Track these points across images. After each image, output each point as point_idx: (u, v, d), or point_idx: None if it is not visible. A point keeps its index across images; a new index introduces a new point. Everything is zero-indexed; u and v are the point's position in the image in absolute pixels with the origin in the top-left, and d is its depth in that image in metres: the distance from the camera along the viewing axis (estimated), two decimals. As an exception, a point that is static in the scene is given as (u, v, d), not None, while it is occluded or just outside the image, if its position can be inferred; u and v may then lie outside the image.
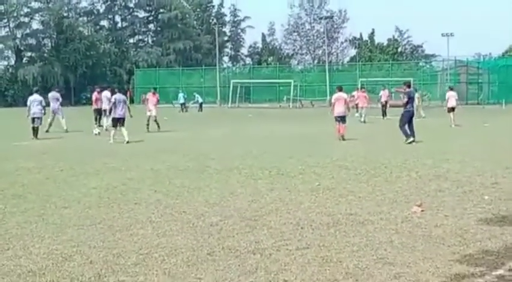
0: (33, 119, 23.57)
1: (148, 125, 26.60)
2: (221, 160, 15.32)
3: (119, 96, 22.06)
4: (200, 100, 56.39)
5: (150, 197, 10.21)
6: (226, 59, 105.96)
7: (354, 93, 38.29)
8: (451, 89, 32.67)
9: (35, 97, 24.34)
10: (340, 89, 23.26)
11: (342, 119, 21.74)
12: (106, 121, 26.34)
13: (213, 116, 45.29)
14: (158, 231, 7.74)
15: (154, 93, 28.56)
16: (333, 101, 22.79)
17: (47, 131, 25.64)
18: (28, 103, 24.19)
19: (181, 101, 54.34)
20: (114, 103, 21.52)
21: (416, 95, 32.11)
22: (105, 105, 26.12)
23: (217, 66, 74.96)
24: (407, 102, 20.54)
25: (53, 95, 28.27)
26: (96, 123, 27.68)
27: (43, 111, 24.11)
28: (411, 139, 19.45)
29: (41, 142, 21.97)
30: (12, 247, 7.06)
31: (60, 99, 28.50)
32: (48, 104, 26.17)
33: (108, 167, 14.36)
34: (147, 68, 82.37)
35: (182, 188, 11.02)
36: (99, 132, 24.73)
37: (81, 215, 8.77)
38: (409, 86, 21.17)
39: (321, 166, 13.91)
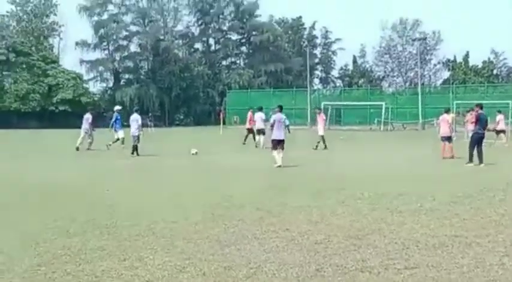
0: (133, 137, 24.61)
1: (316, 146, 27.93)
2: (318, 180, 15.42)
3: (278, 116, 20.28)
4: (287, 122, 55.95)
5: (252, 214, 10.43)
6: (316, 81, 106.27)
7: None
8: (499, 112, 33.34)
9: (133, 116, 25.39)
10: (447, 111, 24.39)
11: (447, 139, 22.81)
12: (257, 139, 29.79)
13: (303, 137, 45.43)
14: (265, 247, 7.92)
15: (319, 114, 30.20)
16: (438, 121, 23.68)
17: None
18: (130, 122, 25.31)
19: (287, 122, 54.42)
20: (272, 124, 20.15)
21: (500, 116, 31.69)
22: (260, 125, 29.88)
23: (308, 88, 75.20)
24: (475, 124, 20.29)
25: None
26: (244, 142, 31.05)
27: (138, 130, 24.98)
28: (471, 164, 19.39)
29: (141, 159, 22.73)
30: (128, 258, 7.40)
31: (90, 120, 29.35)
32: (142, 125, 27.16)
33: (213, 185, 14.75)
34: (238, 89, 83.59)
35: (283, 206, 11.19)
36: (196, 152, 25.20)
37: (189, 230, 9.07)
38: (481, 108, 20.69)
39: (421, 188, 13.77)
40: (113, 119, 29.59)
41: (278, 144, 19.55)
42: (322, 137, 28.35)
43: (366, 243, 8.09)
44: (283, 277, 6.52)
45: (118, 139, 28.66)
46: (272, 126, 20.04)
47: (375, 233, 8.79)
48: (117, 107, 31.88)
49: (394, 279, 6.41)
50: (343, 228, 9.09)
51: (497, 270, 6.68)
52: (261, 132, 30.28)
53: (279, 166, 18.82)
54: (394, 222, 9.64)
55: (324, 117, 30.33)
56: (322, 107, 63.24)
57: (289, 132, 21.46)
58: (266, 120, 29.36)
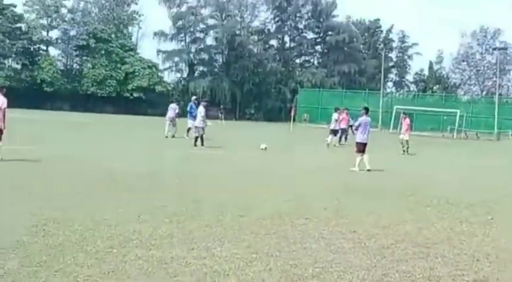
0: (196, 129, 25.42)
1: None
2: (387, 184, 15.28)
3: (364, 119, 19.58)
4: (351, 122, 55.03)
5: (319, 213, 10.43)
6: (390, 84, 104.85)
7: None
8: None
9: (199, 109, 26.08)
10: None
11: None
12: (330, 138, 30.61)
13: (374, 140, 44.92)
14: (331, 248, 7.92)
15: (405, 118, 30.03)
16: None
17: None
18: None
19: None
20: (357, 127, 19.64)
21: None
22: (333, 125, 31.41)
23: (381, 90, 74.32)
24: None
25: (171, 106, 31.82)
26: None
27: (203, 122, 25.32)
28: None
29: (209, 151, 23.01)
30: (197, 248, 7.53)
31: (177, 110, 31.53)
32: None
33: (282, 182, 14.81)
34: (311, 88, 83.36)
35: (351, 208, 11.15)
36: (265, 148, 25.33)
37: (256, 224, 9.16)
38: None
39: (493, 199, 13.46)
40: (188, 108, 30.39)
41: (363, 147, 19.08)
42: (407, 141, 28.24)
43: (434, 252, 7.99)
44: (348, 279, 6.51)
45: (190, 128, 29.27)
46: (357, 129, 19.69)
47: (443, 242, 8.67)
48: (193, 97, 33.13)
49: (462, 290, 6.32)
50: (411, 235, 9.00)
51: None
52: (333, 132, 31.43)
53: (368, 170, 18.34)
54: (463, 232, 9.47)
55: (409, 122, 30.04)
56: (394, 110, 62.52)
57: (353, 133, 21.36)
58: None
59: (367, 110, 20.08)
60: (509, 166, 25.70)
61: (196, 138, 25.12)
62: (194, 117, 27.67)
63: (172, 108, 31.38)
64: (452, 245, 8.50)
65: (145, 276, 6.27)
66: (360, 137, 19.26)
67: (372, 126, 21.78)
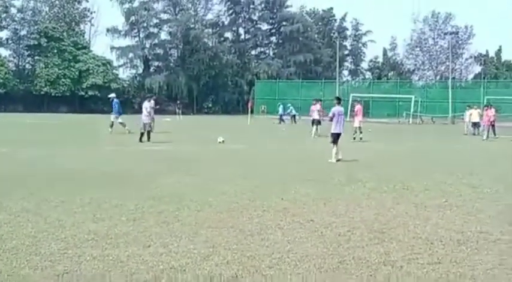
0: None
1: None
2: (344, 172, 15.41)
3: (337, 109, 19.12)
4: (293, 112, 55.62)
5: (277, 204, 10.47)
6: (346, 72, 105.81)
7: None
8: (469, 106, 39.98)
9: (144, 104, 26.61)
10: None
11: None
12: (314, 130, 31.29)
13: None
14: (288, 238, 7.95)
15: (356, 105, 31.30)
16: None
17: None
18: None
19: (293, 112, 54.46)
20: (332, 117, 19.06)
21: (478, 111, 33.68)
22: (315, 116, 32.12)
23: (337, 79, 74.95)
24: None
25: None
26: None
27: (147, 117, 25.67)
28: None
29: (166, 146, 22.89)
30: (153, 245, 7.49)
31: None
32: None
33: (239, 174, 14.80)
34: (267, 79, 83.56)
35: (308, 198, 11.22)
36: (223, 141, 25.35)
37: (213, 218, 9.15)
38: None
39: (447, 183, 13.69)
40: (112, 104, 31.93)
41: (338, 138, 18.79)
42: (359, 128, 28.61)
43: (390, 237, 8.09)
44: (305, 268, 6.55)
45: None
46: (331, 119, 19.16)
47: (399, 227, 8.78)
48: (112, 94, 33.91)
49: (417, 273, 6.41)
50: (367, 222, 9.10)
51: (521, 268, 6.65)
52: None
53: (339, 160, 18.19)
54: (419, 217, 9.61)
55: (361, 109, 30.49)
56: (350, 98, 63.01)
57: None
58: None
59: (339, 100, 19.71)
60: (464, 149, 26.19)
61: (142, 134, 25.00)
62: (117, 113, 31.36)
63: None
64: (407, 229, 8.62)
65: (100, 276, 6.21)
66: (333, 127, 18.90)
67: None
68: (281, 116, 52.70)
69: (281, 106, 54.90)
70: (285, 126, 45.67)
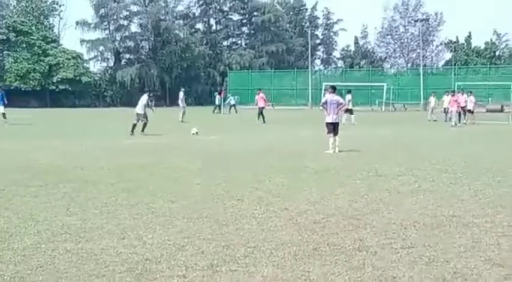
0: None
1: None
2: (318, 161, 15.46)
3: (330, 97, 18.10)
4: (233, 102, 55.17)
5: (251, 194, 10.48)
6: (318, 61, 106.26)
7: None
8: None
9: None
10: None
11: None
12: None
13: (305, 117, 45.38)
14: (263, 227, 7.96)
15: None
16: None
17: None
18: None
19: (232, 102, 54.69)
20: (324, 105, 18.19)
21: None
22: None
23: (309, 68, 75.17)
24: None
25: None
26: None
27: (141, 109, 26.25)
28: None
29: (138, 138, 22.77)
30: (127, 237, 7.44)
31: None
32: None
33: (213, 165, 14.77)
34: (239, 70, 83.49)
35: (282, 187, 11.24)
36: (196, 132, 25.32)
37: (188, 209, 9.12)
38: None
39: (420, 169, 13.82)
40: None
41: (333, 127, 17.92)
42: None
43: (364, 223, 8.14)
44: (280, 256, 6.55)
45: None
46: (323, 107, 18.34)
47: (373, 213, 8.84)
48: None
49: (390, 258, 6.45)
50: (341, 208, 9.14)
51: (493, 250, 6.73)
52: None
53: (334, 152, 17.43)
54: (392, 202, 9.69)
55: None
56: (323, 87, 63.14)
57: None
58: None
59: (334, 88, 18.65)
60: (434, 136, 26.45)
61: (134, 125, 25.16)
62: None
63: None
64: (381, 215, 8.68)
65: (75, 269, 6.14)
66: (327, 117, 18.00)
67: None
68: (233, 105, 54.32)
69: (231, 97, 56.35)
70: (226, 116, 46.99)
